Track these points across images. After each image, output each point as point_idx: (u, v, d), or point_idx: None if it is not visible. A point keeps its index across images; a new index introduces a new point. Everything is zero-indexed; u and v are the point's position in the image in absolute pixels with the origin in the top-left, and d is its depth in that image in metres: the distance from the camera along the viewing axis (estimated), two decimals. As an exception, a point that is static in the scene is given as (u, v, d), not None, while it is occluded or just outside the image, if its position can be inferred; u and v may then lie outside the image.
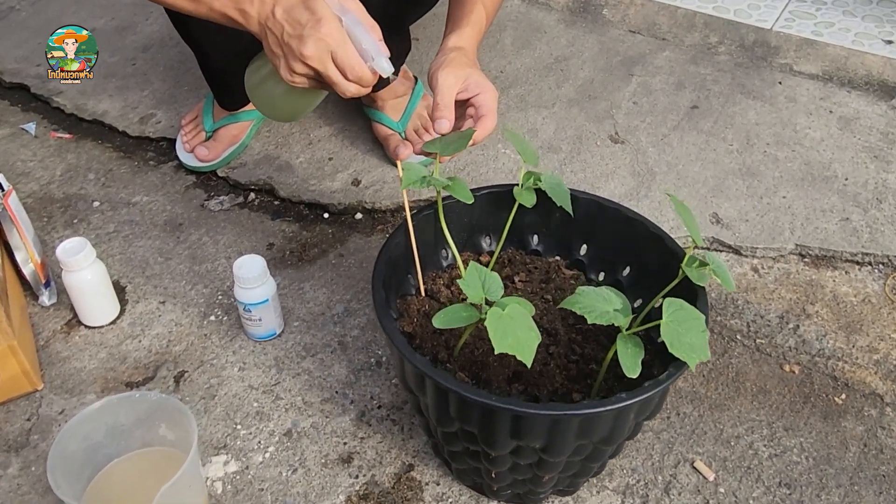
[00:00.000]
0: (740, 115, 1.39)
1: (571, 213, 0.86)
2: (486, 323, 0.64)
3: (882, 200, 1.22)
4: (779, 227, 1.18)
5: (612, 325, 0.68)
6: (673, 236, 0.84)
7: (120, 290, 1.10)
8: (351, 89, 0.82)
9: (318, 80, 0.83)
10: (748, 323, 1.06)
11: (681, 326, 0.65)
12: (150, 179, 1.30)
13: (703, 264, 0.73)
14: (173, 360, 1.01)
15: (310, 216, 1.23)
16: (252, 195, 1.27)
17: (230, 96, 1.26)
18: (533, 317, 0.68)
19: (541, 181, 0.84)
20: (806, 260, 1.15)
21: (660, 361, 0.78)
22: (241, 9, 0.83)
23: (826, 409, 0.96)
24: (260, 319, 1.00)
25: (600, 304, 0.68)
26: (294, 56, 0.80)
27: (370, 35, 0.80)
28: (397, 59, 1.25)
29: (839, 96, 1.43)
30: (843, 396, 0.97)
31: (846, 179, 1.26)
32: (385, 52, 0.81)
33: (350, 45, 0.79)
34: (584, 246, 0.92)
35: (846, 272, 1.13)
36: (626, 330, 0.68)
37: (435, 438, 0.81)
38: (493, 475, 0.77)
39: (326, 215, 1.23)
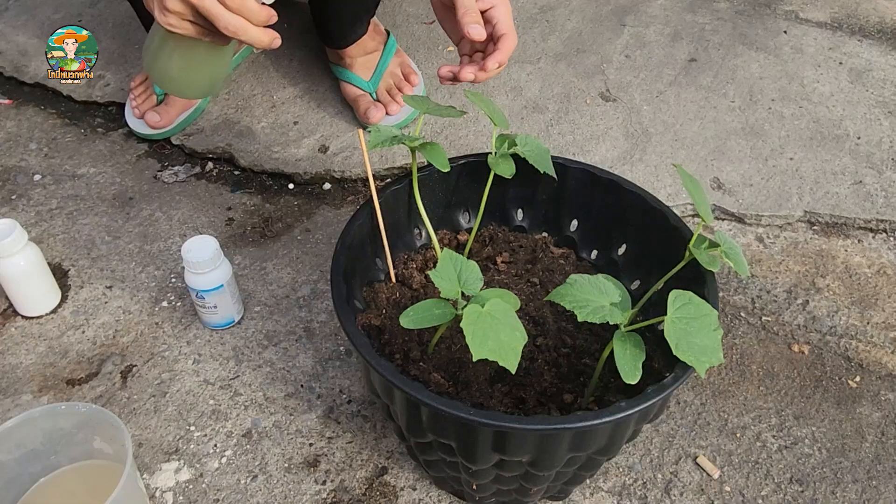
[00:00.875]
0: (742, 69, 1.28)
1: (555, 177, 0.75)
2: (462, 324, 0.54)
3: (897, 161, 1.12)
4: (786, 192, 1.08)
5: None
6: (670, 204, 0.74)
7: (62, 274, 0.99)
8: (234, 23, 0.68)
9: (200, 24, 0.69)
10: (753, 299, 0.97)
11: (689, 325, 0.55)
12: (97, 149, 1.18)
13: (714, 245, 0.63)
14: (120, 353, 0.91)
15: (273, 187, 1.12)
16: (210, 165, 1.16)
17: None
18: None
19: (516, 145, 0.74)
20: (815, 228, 1.05)
21: (661, 352, 0.69)
22: None
23: (839, 394, 0.88)
24: (215, 307, 0.90)
25: (594, 296, 0.58)
26: None
27: None
28: (367, 9, 1.13)
29: (850, 46, 1.32)
30: (858, 379, 0.89)
31: (858, 138, 1.16)
32: None
33: None
34: (575, 221, 0.82)
35: (859, 241, 1.04)
36: (625, 326, 0.59)
37: (408, 443, 0.72)
38: (475, 486, 0.68)
39: (291, 186, 1.12)
